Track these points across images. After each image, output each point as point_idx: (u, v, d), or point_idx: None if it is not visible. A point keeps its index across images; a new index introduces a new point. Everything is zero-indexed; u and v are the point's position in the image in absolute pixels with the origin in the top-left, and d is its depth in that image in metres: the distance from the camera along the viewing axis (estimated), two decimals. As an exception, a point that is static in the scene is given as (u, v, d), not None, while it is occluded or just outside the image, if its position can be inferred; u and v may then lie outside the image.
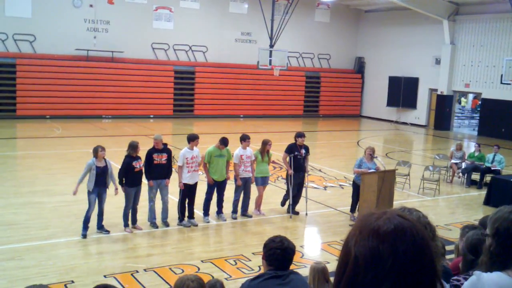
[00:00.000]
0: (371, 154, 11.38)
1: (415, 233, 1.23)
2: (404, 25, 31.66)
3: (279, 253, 4.03)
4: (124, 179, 9.91)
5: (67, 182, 13.43)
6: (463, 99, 39.18)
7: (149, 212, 10.35)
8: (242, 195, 11.26)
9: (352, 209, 11.58)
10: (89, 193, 9.56)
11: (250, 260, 8.79)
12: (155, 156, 10.27)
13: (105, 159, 9.73)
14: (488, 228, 2.58)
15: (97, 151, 9.63)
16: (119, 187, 9.93)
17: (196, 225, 10.55)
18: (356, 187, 11.50)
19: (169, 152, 10.48)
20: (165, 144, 10.55)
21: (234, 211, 11.20)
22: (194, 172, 10.53)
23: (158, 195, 10.41)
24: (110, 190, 9.92)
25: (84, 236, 9.53)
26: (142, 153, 10.35)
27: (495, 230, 2.50)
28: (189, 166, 10.43)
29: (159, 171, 10.30)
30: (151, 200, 10.31)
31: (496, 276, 2.39)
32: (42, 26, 25.50)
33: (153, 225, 10.31)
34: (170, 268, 8.32)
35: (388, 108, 33.03)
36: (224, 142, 10.84)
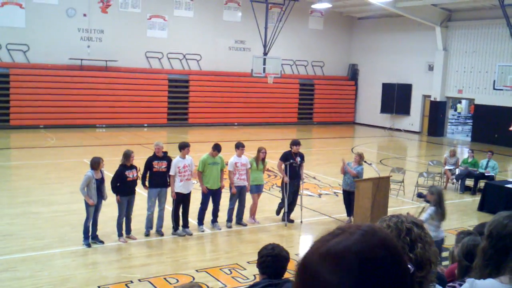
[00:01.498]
0: (358, 158, 11.61)
1: (372, 261, 1.15)
2: (397, 32, 31.83)
3: (269, 260, 4.03)
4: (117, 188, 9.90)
5: (62, 192, 13.45)
6: (459, 105, 39.32)
7: (146, 221, 10.34)
8: (237, 204, 11.26)
9: (348, 214, 11.71)
10: (88, 204, 9.54)
11: (245, 269, 8.78)
12: (155, 163, 10.29)
13: (100, 170, 9.73)
14: (485, 231, 2.67)
15: (99, 164, 9.62)
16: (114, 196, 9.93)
17: (191, 234, 10.54)
18: (345, 194, 11.71)
19: (169, 160, 10.50)
20: (165, 152, 10.57)
21: (229, 219, 11.19)
22: (187, 181, 10.50)
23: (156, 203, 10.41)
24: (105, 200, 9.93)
25: (88, 245, 9.54)
26: (142, 161, 10.36)
27: (489, 233, 2.60)
28: (182, 175, 10.41)
29: (158, 178, 10.31)
30: (149, 209, 10.31)
31: (489, 283, 2.42)
32: (36, 35, 25.48)
33: (147, 232, 10.30)
34: (164, 278, 8.30)
35: (382, 115, 33.13)
36: (216, 147, 10.84)
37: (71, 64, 26.33)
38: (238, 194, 11.15)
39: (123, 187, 9.89)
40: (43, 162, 17.54)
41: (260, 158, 11.38)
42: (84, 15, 26.56)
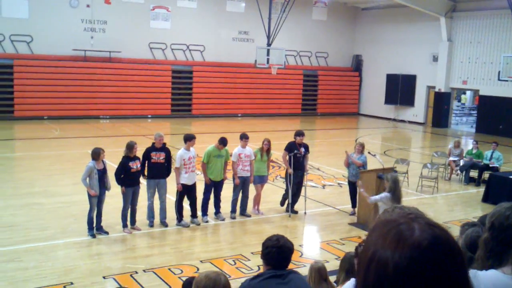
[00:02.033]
0: (358, 149, 11.58)
1: (452, 243, 1.25)
2: (401, 23, 31.67)
3: (274, 251, 4.02)
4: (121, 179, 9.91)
5: (65, 183, 13.47)
6: (463, 96, 39.13)
7: (148, 210, 10.36)
8: (240, 195, 11.26)
9: (353, 205, 11.72)
10: (90, 195, 9.54)
11: (249, 260, 8.78)
12: (153, 154, 10.27)
13: (102, 161, 9.73)
14: (486, 223, 2.65)
15: (99, 154, 9.63)
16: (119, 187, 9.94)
17: (199, 224, 10.60)
18: (350, 185, 11.72)
19: (167, 151, 10.49)
20: (164, 143, 10.56)
21: (233, 210, 11.20)
22: (192, 173, 10.53)
23: (156, 195, 10.41)
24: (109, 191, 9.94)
25: (93, 235, 9.56)
26: (141, 153, 10.36)
27: (490, 224, 2.59)
28: (187, 167, 10.43)
29: (156, 170, 10.30)
30: (149, 199, 10.33)
31: (492, 274, 2.42)
32: (39, 26, 25.46)
33: (151, 223, 10.32)
34: (169, 269, 8.32)
35: (386, 106, 33.05)
36: (223, 142, 10.83)
37: (74, 55, 26.32)
38: (242, 185, 11.15)
39: (127, 178, 9.90)
40: (46, 153, 17.57)
41: (264, 150, 11.36)
42: (87, 6, 26.51)
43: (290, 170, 11.39)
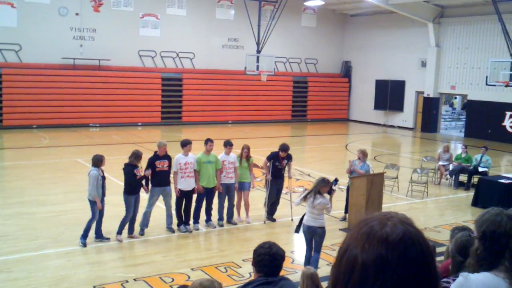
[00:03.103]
0: (360, 156, 11.65)
1: (422, 241, 1.28)
2: (390, 29, 31.89)
3: (267, 259, 4.03)
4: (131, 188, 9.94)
5: (56, 192, 13.41)
6: (455, 100, 39.32)
7: (142, 217, 10.35)
8: (227, 202, 11.29)
9: (345, 211, 11.84)
10: (94, 203, 9.51)
11: (240, 267, 8.79)
12: (157, 163, 10.34)
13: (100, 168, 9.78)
14: (475, 231, 2.61)
15: (102, 161, 9.67)
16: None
17: (191, 232, 10.61)
18: (348, 191, 11.78)
19: (169, 159, 10.57)
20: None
21: (220, 218, 11.20)
22: (188, 178, 10.57)
23: (161, 202, 10.51)
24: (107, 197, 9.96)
25: (84, 244, 9.51)
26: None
27: (481, 234, 2.52)
28: (183, 172, 10.48)
29: (162, 177, 10.41)
30: (149, 206, 10.38)
31: (483, 276, 2.41)
32: (28, 35, 25.36)
33: (141, 232, 10.32)
34: (160, 277, 8.30)
35: (376, 112, 33.19)
36: (209, 139, 10.91)
37: (63, 63, 26.23)
38: (226, 192, 11.17)
39: (133, 186, 9.95)
40: (36, 162, 17.46)
41: (243, 156, 11.38)
42: (77, 14, 26.45)
43: (269, 177, 11.46)
